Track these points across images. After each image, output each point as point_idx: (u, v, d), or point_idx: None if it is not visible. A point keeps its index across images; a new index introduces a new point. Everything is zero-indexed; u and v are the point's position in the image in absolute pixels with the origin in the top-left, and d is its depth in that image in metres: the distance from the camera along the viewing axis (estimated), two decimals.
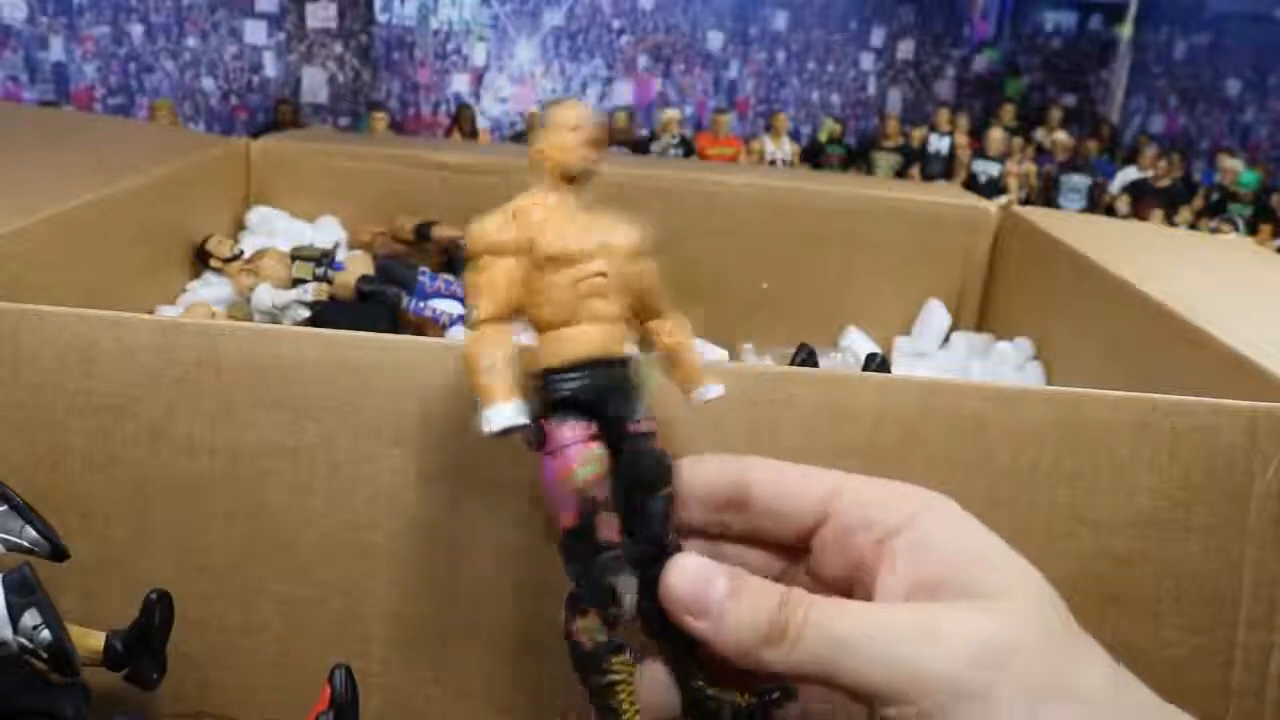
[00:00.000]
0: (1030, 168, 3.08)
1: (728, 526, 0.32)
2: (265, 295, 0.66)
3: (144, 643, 0.36)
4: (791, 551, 0.32)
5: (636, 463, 0.30)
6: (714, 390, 0.32)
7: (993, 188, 2.93)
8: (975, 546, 0.29)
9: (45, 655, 0.32)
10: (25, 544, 0.34)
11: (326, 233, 0.77)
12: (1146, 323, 0.54)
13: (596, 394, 0.29)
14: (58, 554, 0.34)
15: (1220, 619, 0.38)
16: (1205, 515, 0.38)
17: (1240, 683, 0.38)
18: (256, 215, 0.77)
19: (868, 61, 3.45)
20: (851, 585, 0.30)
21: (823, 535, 0.31)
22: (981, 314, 0.79)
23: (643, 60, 2.94)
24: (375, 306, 0.66)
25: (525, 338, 0.30)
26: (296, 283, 0.67)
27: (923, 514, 0.29)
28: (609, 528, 0.29)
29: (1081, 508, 0.38)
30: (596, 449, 0.29)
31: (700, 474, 0.32)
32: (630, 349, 0.31)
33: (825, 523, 0.31)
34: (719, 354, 0.67)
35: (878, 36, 3.43)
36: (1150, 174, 3.08)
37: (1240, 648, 0.38)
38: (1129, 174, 3.13)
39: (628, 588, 0.29)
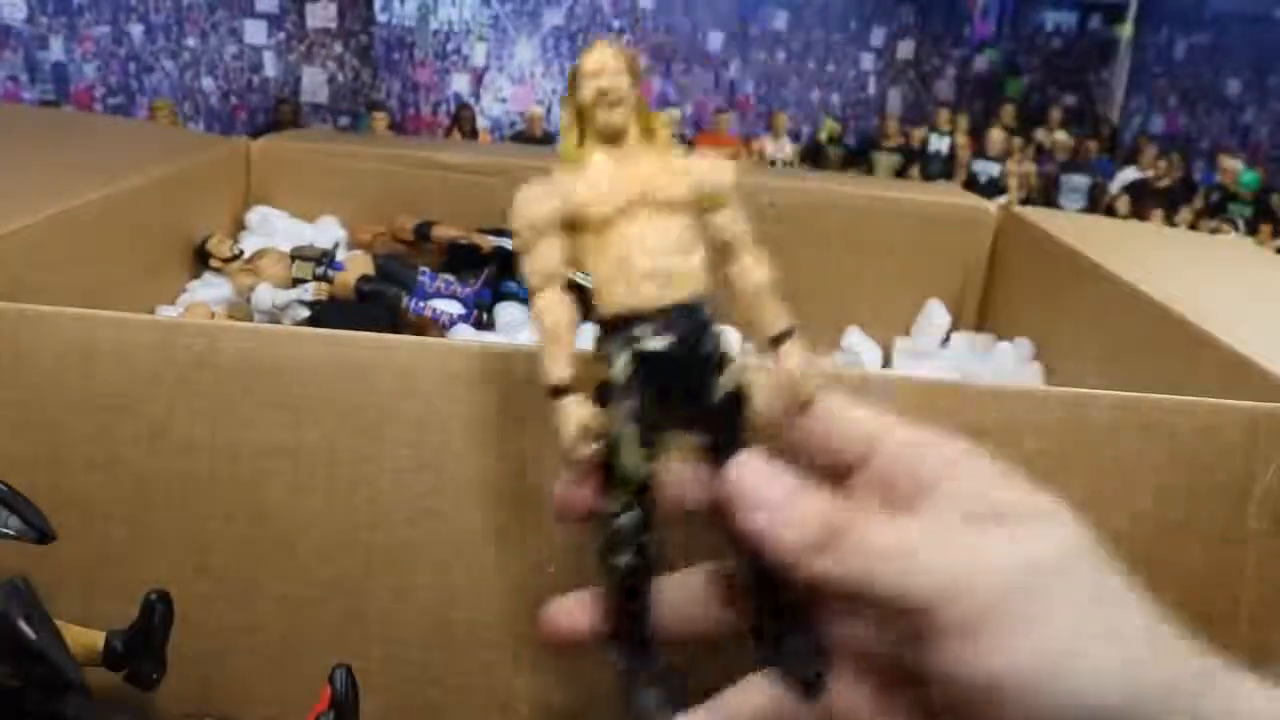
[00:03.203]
0: (1030, 168, 3.08)
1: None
2: (265, 295, 0.66)
3: (144, 643, 0.36)
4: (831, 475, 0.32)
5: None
6: None
7: (993, 188, 2.93)
8: (1014, 494, 0.30)
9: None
10: (11, 532, 0.34)
11: (326, 232, 0.77)
12: (1146, 323, 0.54)
13: None
14: (44, 539, 0.34)
15: (1221, 618, 0.38)
16: (1205, 515, 0.38)
17: None
18: (256, 215, 0.77)
19: (868, 61, 3.45)
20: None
21: (864, 475, 0.31)
22: (981, 314, 0.78)
23: (643, 60, 2.95)
24: (375, 306, 0.66)
25: None
26: (296, 282, 0.67)
27: (962, 460, 0.30)
28: None
29: (1081, 508, 0.38)
30: None
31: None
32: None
33: (866, 464, 0.31)
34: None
35: (878, 36, 3.44)
36: (1150, 174, 3.08)
37: (1241, 647, 0.38)
38: (1129, 174, 3.13)
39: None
